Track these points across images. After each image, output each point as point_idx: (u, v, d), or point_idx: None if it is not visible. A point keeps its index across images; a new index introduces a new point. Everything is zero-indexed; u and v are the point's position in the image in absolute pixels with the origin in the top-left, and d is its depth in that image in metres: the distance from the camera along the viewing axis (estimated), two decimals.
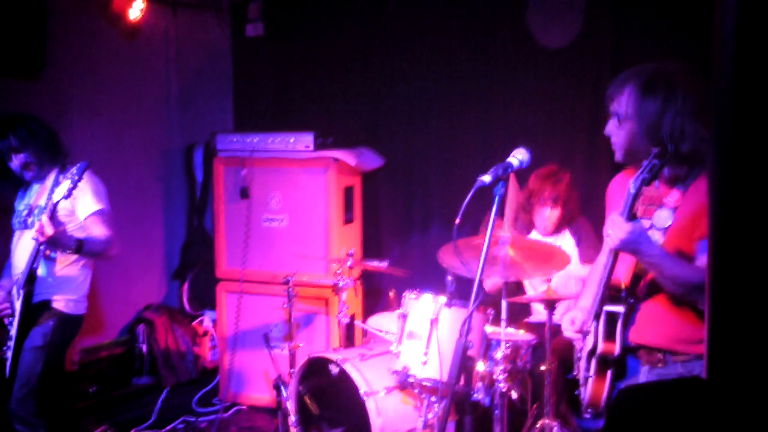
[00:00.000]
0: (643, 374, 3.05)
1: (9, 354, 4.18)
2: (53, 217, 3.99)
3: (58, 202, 3.99)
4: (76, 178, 4.07)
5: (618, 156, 3.12)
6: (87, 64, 6.15)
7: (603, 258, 3.37)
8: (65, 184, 4.02)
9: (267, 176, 6.01)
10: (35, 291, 4.20)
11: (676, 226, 2.91)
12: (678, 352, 2.95)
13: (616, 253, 2.94)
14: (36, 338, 4.22)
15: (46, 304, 4.27)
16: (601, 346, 2.99)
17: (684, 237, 2.90)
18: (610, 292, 3.00)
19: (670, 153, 2.75)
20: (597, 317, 3.03)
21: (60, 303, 4.30)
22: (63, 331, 4.31)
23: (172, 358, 6.44)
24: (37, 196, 4.41)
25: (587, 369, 3.09)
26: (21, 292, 4.14)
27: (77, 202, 4.26)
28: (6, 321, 4.27)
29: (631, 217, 2.86)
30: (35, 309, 4.23)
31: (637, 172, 2.82)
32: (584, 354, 3.13)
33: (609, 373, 3.01)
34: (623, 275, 3.02)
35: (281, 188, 5.98)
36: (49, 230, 3.93)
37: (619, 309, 2.97)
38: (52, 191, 4.08)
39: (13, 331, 4.17)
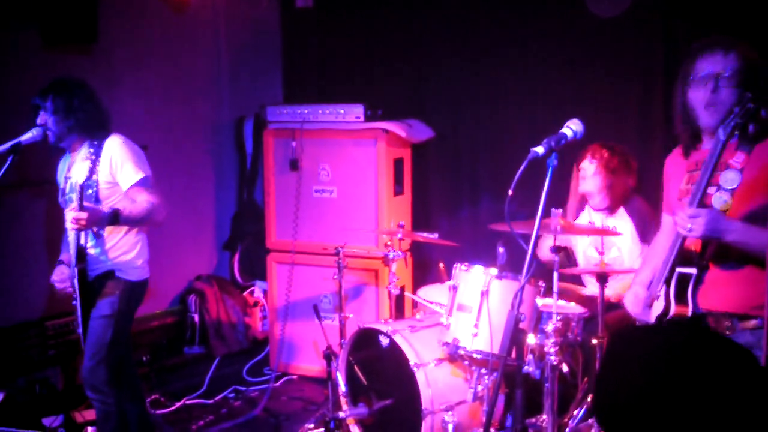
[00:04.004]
0: None
1: (80, 330, 4.28)
2: (82, 197, 3.98)
3: (84, 184, 4.03)
4: (93, 157, 4.11)
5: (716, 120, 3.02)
6: (137, 38, 6.18)
7: (664, 236, 3.35)
8: (85, 165, 4.10)
9: (317, 148, 6.02)
10: (93, 266, 4.25)
11: (745, 186, 2.90)
12: (749, 316, 2.94)
13: None
14: (104, 307, 4.26)
15: (110, 274, 4.29)
16: (673, 309, 2.99)
17: (754, 196, 2.89)
18: (683, 255, 3.00)
19: (766, 98, 2.73)
20: (668, 282, 3.02)
21: (122, 272, 4.31)
22: (129, 298, 4.35)
23: (223, 328, 6.51)
24: (68, 167, 4.39)
25: None
26: (75, 270, 4.20)
27: (118, 172, 4.21)
28: (72, 296, 4.33)
29: (701, 204, 2.89)
30: (99, 280, 4.28)
31: (727, 119, 2.79)
32: (653, 319, 3.11)
33: None
34: (692, 242, 3.05)
35: (331, 160, 5.99)
36: (82, 221, 3.94)
37: (692, 271, 2.98)
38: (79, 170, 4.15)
39: (78, 309, 4.24)
